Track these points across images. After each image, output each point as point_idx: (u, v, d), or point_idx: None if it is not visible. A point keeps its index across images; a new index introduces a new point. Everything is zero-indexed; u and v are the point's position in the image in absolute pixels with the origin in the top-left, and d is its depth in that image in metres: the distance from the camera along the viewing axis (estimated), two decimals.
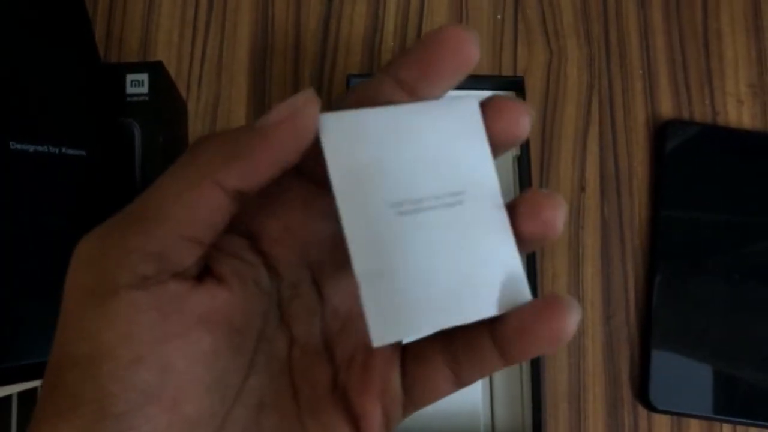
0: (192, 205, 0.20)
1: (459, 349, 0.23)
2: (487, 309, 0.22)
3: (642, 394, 0.48)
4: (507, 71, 0.54)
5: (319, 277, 0.24)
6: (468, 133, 0.24)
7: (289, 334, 0.24)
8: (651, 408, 0.48)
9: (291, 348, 0.24)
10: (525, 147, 0.45)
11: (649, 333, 0.49)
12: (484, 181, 0.24)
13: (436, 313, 0.22)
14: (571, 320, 0.21)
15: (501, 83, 0.47)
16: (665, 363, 0.48)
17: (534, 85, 0.54)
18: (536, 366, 0.42)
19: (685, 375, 0.48)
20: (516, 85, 0.46)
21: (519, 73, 0.54)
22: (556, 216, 0.22)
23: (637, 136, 0.53)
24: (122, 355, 0.19)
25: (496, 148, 0.23)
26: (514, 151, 0.46)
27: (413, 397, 0.23)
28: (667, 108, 0.54)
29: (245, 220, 0.23)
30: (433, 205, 0.23)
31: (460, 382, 0.23)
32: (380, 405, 0.23)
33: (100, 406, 0.18)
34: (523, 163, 0.45)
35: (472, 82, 0.48)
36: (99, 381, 0.18)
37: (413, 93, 0.23)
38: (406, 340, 0.23)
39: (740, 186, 0.51)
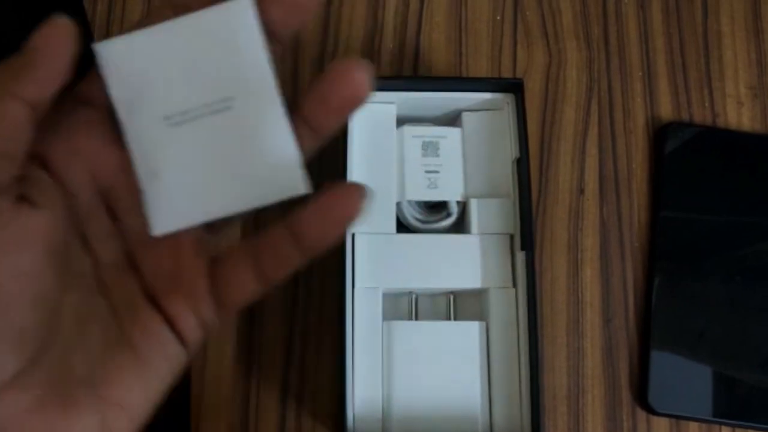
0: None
1: (260, 248, 0.26)
2: (262, 197, 0.26)
3: (641, 396, 0.48)
4: (506, 73, 0.54)
5: (114, 200, 0.26)
6: (241, 36, 0.25)
7: (92, 253, 0.26)
8: (650, 411, 0.48)
9: (96, 267, 0.26)
10: (525, 149, 0.45)
11: (649, 335, 0.49)
12: (257, 82, 0.25)
13: (210, 204, 0.26)
14: (360, 197, 0.25)
15: (500, 85, 0.47)
16: (664, 365, 0.48)
17: (533, 87, 0.54)
18: (534, 367, 0.42)
19: (685, 378, 0.48)
20: (515, 87, 0.46)
21: (518, 75, 0.54)
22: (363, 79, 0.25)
23: (637, 138, 0.53)
24: None
25: (279, 35, 0.25)
26: (513, 154, 0.46)
27: (224, 299, 0.26)
28: (666, 110, 0.53)
29: (37, 145, 0.24)
30: (202, 113, 0.26)
31: (266, 280, 0.26)
32: (190, 307, 0.26)
33: None
34: (522, 165, 0.45)
35: (472, 85, 0.48)
36: None
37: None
38: (182, 228, 0.26)
39: (740, 188, 0.51)
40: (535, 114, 0.53)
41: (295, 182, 0.26)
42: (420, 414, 0.43)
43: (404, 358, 0.44)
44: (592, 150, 0.53)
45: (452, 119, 0.50)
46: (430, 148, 0.47)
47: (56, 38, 0.23)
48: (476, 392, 0.43)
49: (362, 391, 0.43)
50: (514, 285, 0.45)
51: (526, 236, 0.44)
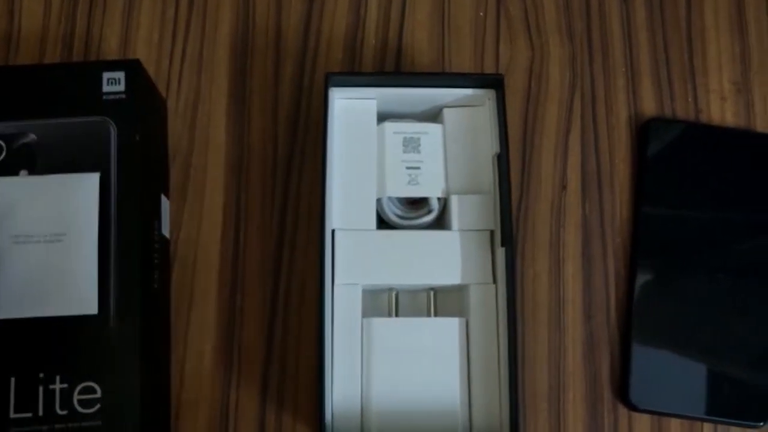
0: None
1: None
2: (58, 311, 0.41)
3: (623, 393, 0.48)
4: (489, 69, 0.53)
5: None
6: (83, 197, 0.43)
7: None
8: (632, 407, 0.48)
9: None
10: (505, 144, 0.45)
11: (630, 332, 0.49)
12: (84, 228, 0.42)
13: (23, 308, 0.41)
14: None
15: (481, 81, 0.47)
16: (646, 362, 0.48)
17: (516, 82, 0.53)
18: (513, 365, 0.42)
19: (666, 374, 0.48)
20: (496, 83, 0.46)
21: (501, 71, 0.53)
22: None
23: (620, 134, 0.53)
24: None
25: None
26: (494, 150, 0.46)
27: None
28: (649, 106, 0.53)
29: None
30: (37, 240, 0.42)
31: None
32: None
33: None
34: (502, 161, 0.45)
35: (453, 81, 0.48)
36: None
37: None
38: None
39: (722, 184, 0.51)
40: (517, 110, 0.53)
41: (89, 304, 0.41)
42: (399, 411, 0.43)
43: (384, 355, 0.44)
44: (574, 146, 0.52)
45: (433, 115, 0.49)
46: (411, 144, 0.47)
47: None
48: (456, 389, 0.43)
49: (341, 388, 0.43)
50: (494, 281, 0.45)
51: (506, 232, 0.44)
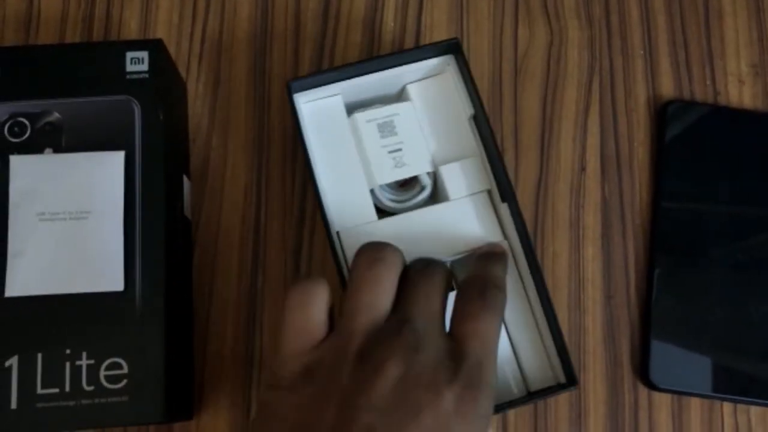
0: None
1: None
2: (87, 287, 0.42)
3: (643, 372, 0.48)
4: (507, 53, 0.54)
5: None
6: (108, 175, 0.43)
7: None
8: (652, 387, 0.48)
9: None
10: (479, 103, 0.45)
11: (650, 312, 0.49)
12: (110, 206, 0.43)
13: (49, 282, 0.41)
14: None
15: (436, 50, 0.46)
16: (665, 342, 0.48)
17: (535, 66, 0.53)
18: (549, 309, 0.42)
19: (686, 354, 0.48)
20: (452, 48, 0.46)
21: (519, 53, 0.54)
22: None
23: (638, 117, 0.53)
24: None
25: None
26: (469, 111, 0.46)
27: None
28: (668, 88, 0.53)
29: None
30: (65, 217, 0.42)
31: None
32: None
33: None
34: (480, 119, 0.45)
35: (410, 56, 0.47)
36: None
37: None
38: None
39: (741, 166, 0.51)
40: (536, 92, 0.53)
41: (113, 280, 0.42)
42: None
43: None
44: (593, 128, 0.53)
45: (399, 95, 0.49)
46: (386, 128, 0.47)
47: None
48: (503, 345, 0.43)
49: None
50: (505, 237, 0.45)
51: (503, 187, 0.44)
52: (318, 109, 0.47)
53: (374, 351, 0.34)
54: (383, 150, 0.46)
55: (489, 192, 0.45)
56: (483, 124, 0.45)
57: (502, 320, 0.39)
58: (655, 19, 0.54)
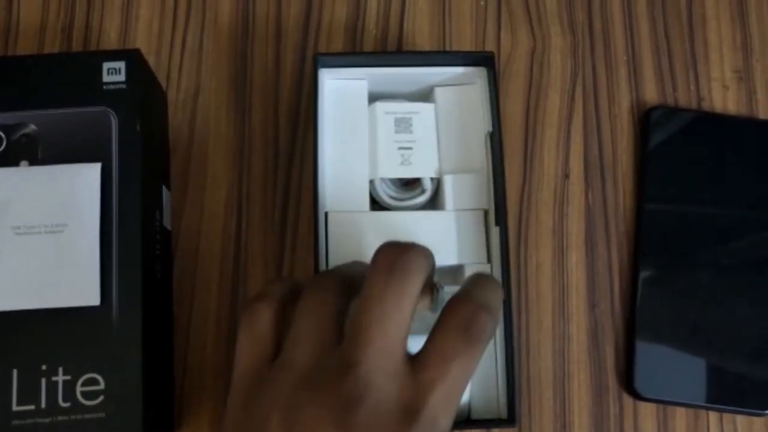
0: None
1: None
2: (58, 302, 0.41)
3: (627, 382, 0.48)
4: None
5: None
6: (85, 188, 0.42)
7: None
8: (636, 396, 0.48)
9: None
10: (497, 122, 0.45)
11: (634, 320, 0.49)
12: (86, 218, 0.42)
13: (25, 299, 0.41)
14: None
15: (471, 59, 0.46)
16: (650, 351, 0.48)
17: (518, 72, 0.53)
18: (509, 344, 0.41)
19: (671, 363, 0.48)
20: (487, 61, 0.46)
21: (502, 60, 0.53)
22: None
23: (622, 123, 0.53)
24: None
25: None
26: (487, 127, 0.46)
27: None
28: (651, 94, 0.53)
29: None
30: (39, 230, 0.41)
31: None
32: None
33: None
34: (495, 139, 0.45)
35: (443, 59, 0.47)
36: None
37: None
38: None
39: (725, 172, 0.51)
40: (519, 99, 0.53)
41: (92, 295, 0.41)
42: None
43: None
44: (576, 135, 0.52)
45: (425, 95, 0.49)
46: (402, 124, 0.46)
47: None
48: None
49: None
50: (489, 261, 0.44)
51: (500, 211, 0.43)
52: (340, 88, 0.47)
53: (305, 404, 0.28)
54: (394, 145, 0.46)
55: (486, 212, 0.45)
56: (497, 144, 0.44)
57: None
58: (638, 25, 0.54)
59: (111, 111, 0.44)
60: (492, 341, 0.43)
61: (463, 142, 0.47)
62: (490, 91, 0.46)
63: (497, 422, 0.42)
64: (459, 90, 0.48)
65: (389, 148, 0.46)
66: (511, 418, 0.41)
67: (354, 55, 0.46)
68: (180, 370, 0.48)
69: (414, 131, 0.46)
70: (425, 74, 0.47)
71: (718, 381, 0.48)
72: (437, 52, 0.47)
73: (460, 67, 0.47)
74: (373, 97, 0.47)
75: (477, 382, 0.43)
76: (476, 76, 0.47)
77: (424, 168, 0.46)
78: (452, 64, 0.47)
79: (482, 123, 0.46)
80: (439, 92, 0.48)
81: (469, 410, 0.43)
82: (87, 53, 0.45)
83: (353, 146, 0.46)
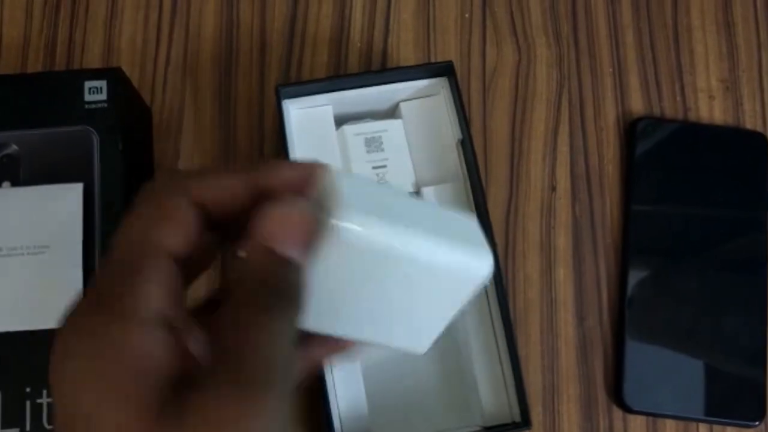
0: None
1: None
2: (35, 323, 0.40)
3: (617, 395, 0.48)
4: (475, 72, 0.53)
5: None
6: (68, 209, 0.42)
7: None
8: (626, 409, 0.47)
9: None
10: (467, 129, 0.45)
11: (623, 333, 0.48)
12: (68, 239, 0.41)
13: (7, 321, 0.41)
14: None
15: (431, 70, 0.46)
16: (639, 363, 0.48)
17: (503, 84, 0.53)
18: (510, 340, 0.42)
19: (660, 375, 0.48)
20: (446, 70, 0.46)
21: (488, 72, 0.53)
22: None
23: (608, 135, 0.52)
24: None
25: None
26: (457, 135, 0.46)
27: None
28: (637, 105, 0.53)
29: None
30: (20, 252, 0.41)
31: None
32: None
33: None
34: (466, 145, 0.44)
35: (403, 74, 0.47)
36: None
37: None
38: None
39: (712, 181, 0.51)
40: (505, 111, 0.52)
41: None
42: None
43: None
44: (563, 147, 0.52)
45: (391, 111, 0.49)
46: (373, 144, 0.46)
47: None
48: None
49: (344, 390, 0.42)
50: None
51: (482, 216, 0.43)
52: (307, 116, 0.47)
53: None
54: (367, 165, 0.46)
55: None
56: (469, 150, 0.44)
57: None
58: (623, 36, 0.54)
59: (92, 130, 0.43)
60: (495, 349, 0.43)
61: (435, 153, 0.47)
62: (455, 100, 0.46)
63: (511, 426, 0.42)
64: (424, 102, 0.48)
65: (363, 168, 0.46)
66: (525, 421, 0.41)
67: (316, 83, 0.45)
68: None
69: (385, 149, 0.46)
70: (388, 91, 0.47)
71: (708, 392, 0.48)
72: (397, 68, 0.47)
73: (422, 80, 0.47)
74: (342, 120, 0.47)
75: (485, 389, 0.43)
76: (439, 86, 0.47)
77: (400, 184, 0.46)
78: (414, 78, 0.47)
79: (452, 132, 0.46)
80: (404, 107, 0.48)
81: (483, 418, 0.43)
82: (68, 72, 0.45)
83: None
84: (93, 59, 0.53)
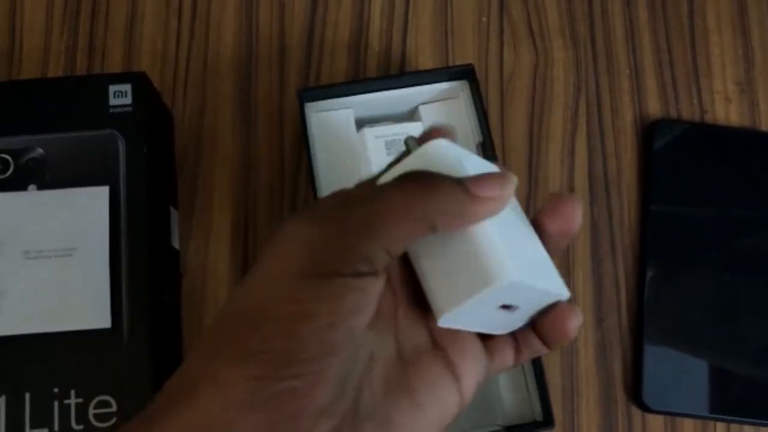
0: (402, 232, 0.25)
1: (518, 338, 0.30)
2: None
3: (635, 395, 0.48)
4: (493, 75, 0.53)
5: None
6: (95, 210, 0.42)
7: (394, 295, 0.28)
8: (645, 408, 0.48)
9: (396, 308, 0.28)
10: (486, 131, 0.45)
11: (642, 334, 0.49)
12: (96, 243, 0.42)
13: (37, 323, 0.41)
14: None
15: (451, 74, 0.47)
16: (658, 363, 0.48)
17: (521, 87, 0.53)
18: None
19: (678, 375, 0.48)
20: (466, 73, 0.46)
21: (505, 75, 0.53)
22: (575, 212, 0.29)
23: (625, 137, 0.53)
24: (322, 319, 0.23)
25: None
26: (477, 138, 0.46)
27: (491, 363, 0.29)
28: (654, 108, 0.53)
29: None
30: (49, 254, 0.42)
31: (520, 359, 0.30)
32: (468, 358, 0.28)
33: (291, 352, 0.23)
34: (486, 147, 0.45)
35: (423, 78, 0.47)
36: (296, 334, 0.23)
37: None
38: None
39: (728, 183, 0.51)
40: (523, 114, 0.53)
41: (102, 318, 0.41)
42: None
43: None
44: (580, 149, 0.52)
45: (411, 114, 0.49)
46: (393, 146, 0.47)
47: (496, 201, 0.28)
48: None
49: None
50: None
51: None
52: (328, 119, 0.47)
53: None
54: None
55: None
56: (489, 152, 0.45)
57: None
58: (640, 39, 0.54)
59: (118, 134, 0.44)
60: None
61: None
62: (475, 103, 0.46)
63: (533, 425, 0.42)
64: (444, 105, 0.48)
65: None
66: (547, 420, 0.42)
67: (337, 86, 0.46)
68: None
69: None
70: (408, 94, 0.48)
71: (727, 391, 0.48)
72: (418, 72, 0.48)
73: (442, 83, 0.47)
74: (360, 123, 0.48)
75: (509, 390, 0.44)
76: (459, 89, 0.47)
77: None
78: (434, 81, 0.47)
79: (471, 134, 0.47)
80: (424, 110, 0.48)
81: (504, 418, 0.43)
82: (93, 76, 0.46)
83: (348, 175, 0.46)
84: (113, 64, 0.53)
